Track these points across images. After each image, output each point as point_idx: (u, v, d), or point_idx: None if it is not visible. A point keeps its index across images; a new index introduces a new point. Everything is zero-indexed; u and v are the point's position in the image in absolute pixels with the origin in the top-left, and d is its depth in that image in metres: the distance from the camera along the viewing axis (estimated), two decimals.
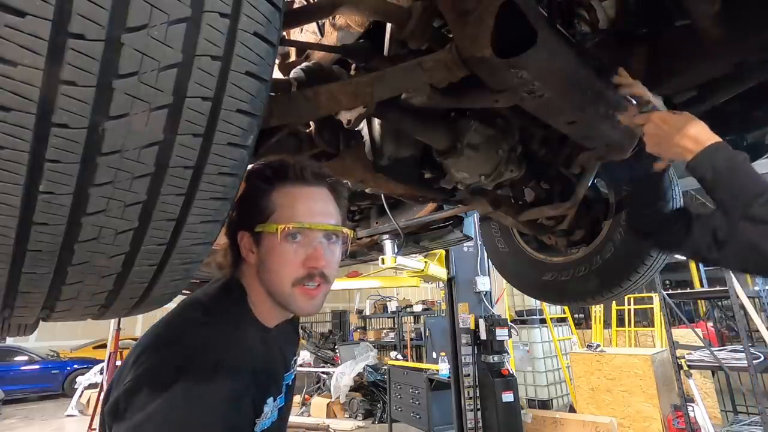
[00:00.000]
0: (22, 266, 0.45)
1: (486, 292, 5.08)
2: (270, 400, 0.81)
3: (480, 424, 4.62)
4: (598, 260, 1.97)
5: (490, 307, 5.05)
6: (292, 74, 1.21)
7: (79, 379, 9.22)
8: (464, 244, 4.21)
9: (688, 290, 6.16)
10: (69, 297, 0.51)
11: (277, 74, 1.35)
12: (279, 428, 0.86)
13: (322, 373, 8.32)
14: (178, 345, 0.69)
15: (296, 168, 0.82)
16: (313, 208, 0.81)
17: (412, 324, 10.54)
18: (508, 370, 4.79)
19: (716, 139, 0.95)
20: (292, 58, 1.46)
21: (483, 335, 4.75)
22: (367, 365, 7.38)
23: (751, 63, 1.12)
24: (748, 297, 4.81)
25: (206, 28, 0.42)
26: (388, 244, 2.82)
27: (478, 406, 4.67)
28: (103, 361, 6.94)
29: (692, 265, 7.57)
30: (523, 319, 7.15)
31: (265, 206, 0.79)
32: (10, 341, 10.41)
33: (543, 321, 7.01)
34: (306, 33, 1.43)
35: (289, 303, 0.80)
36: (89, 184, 0.42)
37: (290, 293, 0.79)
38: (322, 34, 1.37)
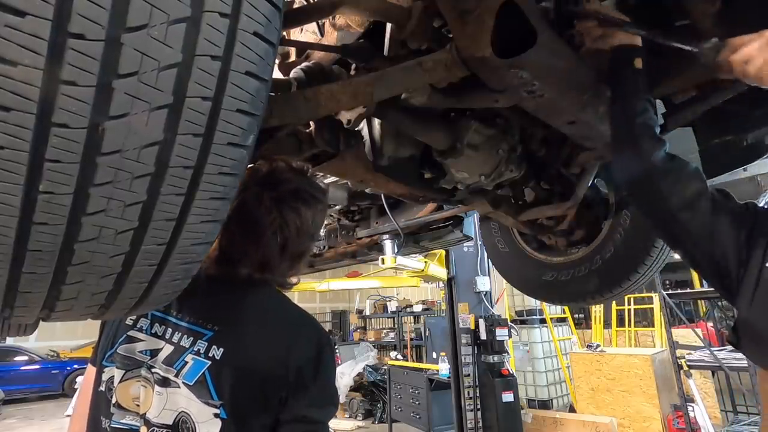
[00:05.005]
0: (22, 266, 0.44)
1: (486, 292, 5.08)
2: None
3: (480, 424, 4.62)
4: (598, 260, 1.96)
5: (490, 307, 5.05)
6: (292, 74, 1.20)
7: (79, 379, 9.23)
8: (464, 244, 4.21)
9: (688, 290, 6.14)
10: (69, 297, 0.51)
11: (277, 74, 1.35)
12: None
13: None
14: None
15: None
16: None
17: (412, 324, 10.54)
18: (508, 370, 4.80)
19: None
20: (292, 58, 1.45)
21: (483, 335, 4.76)
22: (367, 365, 7.38)
23: None
24: None
25: (206, 28, 0.42)
26: (388, 244, 2.82)
27: (478, 406, 4.68)
28: None
29: None
30: (523, 319, 7.15)
31: None
32: (10, 341, 10.39)
33: (543, 321, 7.01)
34: (306, 33, 1.43)
35: None
36: (89, 184, 0.42)
37: None
38: (322, 34, 1.37)
